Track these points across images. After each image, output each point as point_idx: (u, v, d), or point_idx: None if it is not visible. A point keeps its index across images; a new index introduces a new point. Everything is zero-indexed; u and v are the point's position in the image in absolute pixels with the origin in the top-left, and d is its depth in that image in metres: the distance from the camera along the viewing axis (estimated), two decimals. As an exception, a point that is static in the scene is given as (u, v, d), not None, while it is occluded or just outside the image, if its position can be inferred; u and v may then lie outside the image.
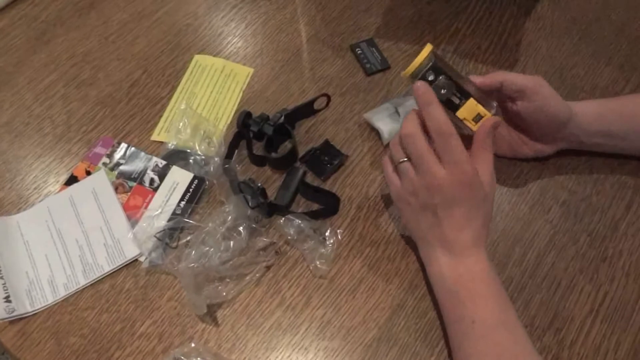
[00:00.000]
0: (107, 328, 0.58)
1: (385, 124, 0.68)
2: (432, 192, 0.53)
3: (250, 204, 0.60)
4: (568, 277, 0.61)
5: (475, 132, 0.55)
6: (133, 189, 0.66)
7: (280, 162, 0.67)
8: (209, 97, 0.73)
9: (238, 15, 0.81)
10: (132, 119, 0.71)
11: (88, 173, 0.67)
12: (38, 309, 0.59)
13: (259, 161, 0.67)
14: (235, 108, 0.72)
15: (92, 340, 0.57)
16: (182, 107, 0.70)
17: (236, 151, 0.68)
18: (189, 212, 0.64)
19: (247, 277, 0.59)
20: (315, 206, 0.64)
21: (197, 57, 0.76)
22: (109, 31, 0.79)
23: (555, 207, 0.65)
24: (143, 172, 0.67)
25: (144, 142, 0.70)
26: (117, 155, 0.68)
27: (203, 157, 0.66)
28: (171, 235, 0.62)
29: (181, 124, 0.68)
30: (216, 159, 0.66)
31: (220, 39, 0.79)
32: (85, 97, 0.73)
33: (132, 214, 0.64)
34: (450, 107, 0.55)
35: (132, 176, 0.67)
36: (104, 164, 0.68)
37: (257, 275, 0.60)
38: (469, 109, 0.55)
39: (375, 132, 0.69)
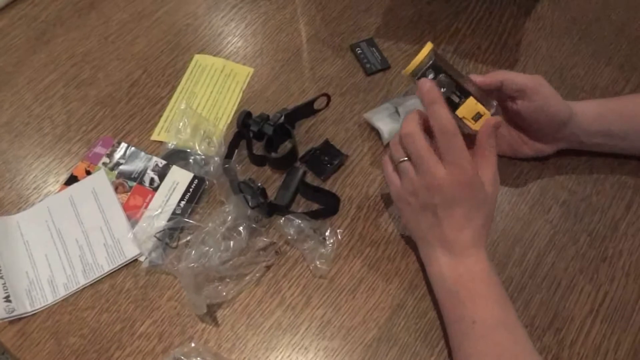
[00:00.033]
0: (107, 328, 0.58)
1: (385, 124, 0.68)
2: (432, 192, 0.53)
3: (250, 203, 0.60)
4: (568, 277, 0.61)
5: (478, 133, 0.55)
6: (133, 188, 0.66)
7: (280, 162, 0.67)
8: (209, 97, 0.73)
9: (238, 15, 0.81)
10: (132, 119, 0.71)
11: (88, 173, 0.67)
12: (38, 309, 0.59)
13: (259, 161, 0.67)
14: (235, 108, 0.72)
15: (92, 340, 0.57)
16: (182, 106, 0.70)
17: (236, 151, 0.68)
18: (189, 212, 0.64)
19: (247, 277, 0.59)
20: (315, 206, 0.64)
21: (197, 56, 0.76)
22: (109, 31, 0.79)
23: (555, 207, 0.65)
24: (143, 172, 0.67)
25: (144, 141, 0.70)
26: (117, 155, 0.68)
27: (203, 157, 0.66)
28: (171, 235, 0.61)
29: (181, 123, 0.68)
30: (216, 158, 0.66)
31: (220, 38, 0.79)
32: (85, 97, 0.73)
33: (132, 213, 0.64)
34: (450, 106, 0.55)
35: (132, 176, 0.67)
36: (104, 163, 0.68)
37: (257, 275, 0.60)
38: (469, 107, 0.55)
39: (375, 132, 0.69)
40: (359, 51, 0.76)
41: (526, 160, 0.67)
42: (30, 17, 0.81)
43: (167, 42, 0.78)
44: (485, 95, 0.57)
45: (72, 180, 0.67)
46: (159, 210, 0.64)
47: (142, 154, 0.68)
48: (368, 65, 0.74)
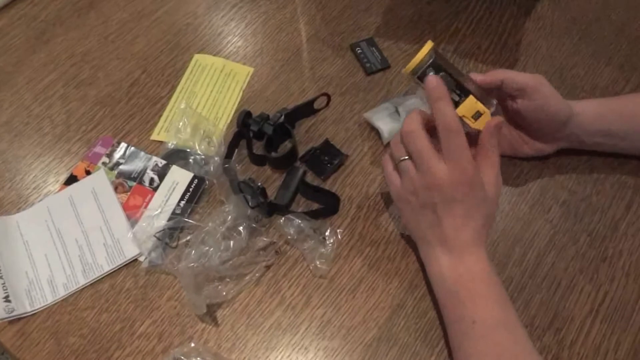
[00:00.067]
0: (107, 328, 0.58)
1: (385, 124, 0.68)
2: (432, 191, 0.53)
3: (250, 203, 0.60)
4: (568, 277, 0.61)
5: (481, 133, 0.55)
6: (133, 188, 0.66)
7: (280, 162, 0.66)
8: (208, 97, 0.73)
9: (238, 14, 0.81)
10: (131, 119, 0.71)
11: (88, 173, 0.67)
12: (37, 309, 0.59)
13: (259, 161, 0.67)
14: (235, 107, 0.72)
15: (92, 340, 0.57)
16: (182, 106, 0.70)
17: (236, 151, 0.68)
18: (188, 211, 0.64)
19: (247, 277, 0.59)
20: (315, 206, 0.64)
21: (196, 56, 0.76)
22: (109, 31, 0.79)
23: (556, 206, 0.65)
24: (143, 172, 0.67)
25: (144, 141, 0.69)
26: (117, 154, 0.68)
27: (203, 156, 0.66)
28: (171, 235, 0.61)
29: (181, 123, 0.68)
30: (216, 158, 0.65)
31: (220, 38, 0.78)
32: (85, 96, 0.73)
33: (132, 213, 0.64)
34: None
35: (132, 176, 0.66)
36: (104, 163, 0.68)
37: (257, 275, 0.60)
38: (469, 106, 0.55)
39: (375, 131, 0.69)
40: (359, 51, 0.76)
41: (526, 159, 0.67)
42: (30, 16, 0.81)
43: (167, 42, 0.78)
44: (485, 94, 0.57)
45: (71, 180, 0.67)
46: (159, 210, 0.64)
47: (142, 153, 0.68)
48: (368, 65, 0.74)
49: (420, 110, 0.55)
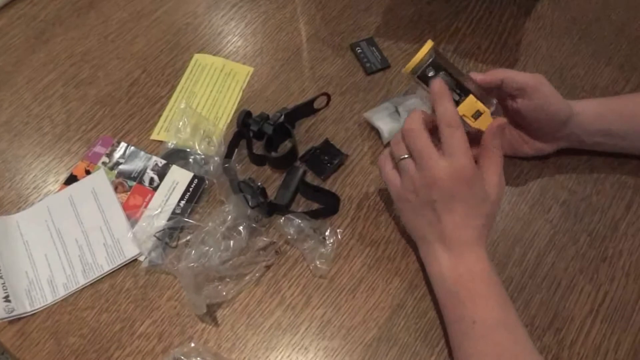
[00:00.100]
0: (107, 328, 0.58)
1: (385, 123, 0.68)
2: (431, 188, 0.53)
3: (250, 203, 0.60)
4: (568, 277, 0.61)
5: (484, 134, 0.55)
6: (133, 188, 0.66)
7: (280, 162, 0.66)
8: (208, 96, 0.73)
9: (238, 14, 0.81)
10: (131, 118, 0.71)
11: (87, 172, 0.67)
12: (37, 309, 0.59)
13: (258, 160, 0.67)
14: (235, 107, 0.72)
15: (92, 340, 0.57)
16: (182, 106, 0.70)
17: (236, 150, 0.68)
18: (188, 211, 0.64)
19: (247, 277, 0.59)
20: (315, 206, 0.64)
21: (196, 56, 0.76)
22: (108, 30, 0.79)
23: (556, 206, 0.65)
24: (143, 172, 0.67)
25: (144, 141, 0.69)
26: (117, 154, 0.68)
27: (203, 156, 0.66)
28: (171, 234, 0.61)
29: (181, 123, 0.68)
30: (216, 158, 0.65)
31: (220, 38, 0.78)
32: (85, 96, 0.73)
33: (132, 213, 0.64)
34: None
35: (132, 175, 0.66)
36: (104, 163, 0.67)
37: (257, 274, 0.60)
38: (468, 105, 0.55)
39: (375, 131, 0.69)
40: (359, 50, 0.76)
41: (526, 159, 0.67)
42: (29, 16, 0.80)
43: (167, 42, 0.78)
44: (485, 93, 0.57)
45: (71, 179, 0.67)
46: (159, 210, 0.64)
47: (142, 153, 0.68)
48: (368, 65, 0.74)
49: (422, 110, 0.55)
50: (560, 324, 0.58)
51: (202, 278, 0.58)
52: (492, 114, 0.56)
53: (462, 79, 0.55)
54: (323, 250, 0.60)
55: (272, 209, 0.62)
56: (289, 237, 0.61)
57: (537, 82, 0.58)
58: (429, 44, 0.55)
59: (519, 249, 0.62)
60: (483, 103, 0.55)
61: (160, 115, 0.71)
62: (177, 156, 0.67)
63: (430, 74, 0.55)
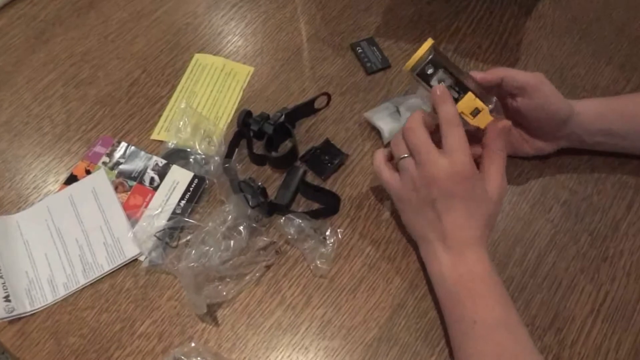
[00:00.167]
0: (107, 328, 0.58)
1: (385, 123, 0.68)
2: (431, 187, 0.53)
3: (250, 203, 0.60)
4: (569, 277, 0.60)
5: (486, 136, 0.55)
6: (133, 188, 0.66)
7: (281, 162, 0.66)
8: (209, 96, 0.73)
9: (238, 14, 0.81)
10: (131, 118, 0.71)
11: (88, 172, 0.67)
12: (37, 309, 0.59)
13: (259, 160, 0.67)
14: (235, 107, 0.72)
15: (92, 340, 0.57)
16: (182, 106, 0.70)
17: (236, 150, 0.68)
18: (189, 211, 0.64)
19: (247, 277, 0.59)
20: (315, 205, 0.64)
21: (197, 56, 0.76)
22: (108, 30, 0.79)
23: (556, 206, 0.65)
24: (143, 171, 0.67)
25: (144, 141, 0.69)
26: (117, 154, 0.68)
27: (203, 156, 0.66)
28: (171, 234, 0.61)
29: (181, 123, 0.68)
30: (216, 158, 0.65)
31: (220, 37, 0.78)
32: (85, 96, 0.73)
33: (132, 213, 0.64)
34: None
35: (132, 175, 0.66)
36: (104, 163, 0.67)
37: (257, 274, 0.60)
38: (467, 102, 0.55)
39: (375, 131, 0.69)
40: (360, 50, 0.75)
41: (527, 159, 0.67)
42: (29, 16, 0.80)
43: (167, 42, 0.78)
44: (485, 92, 0.57)
45: (71, 179, 0.67)
46: (159, 210, 0.64)
47: (142, 153, 0.68)
48: (368, 65, 0.74)
49: (423, 111, 0.55)
50: (561, 323, 0.58)
51: (202, 278, 0.58)
52: (492, 112, 0.56)
53: (462, 77, 0.56)
54: (323, 250, 0.60)
55: (272, 208, 0.62)
56: (289, 237, 0.61)
57: (537, 81, 0.58)
58: (428, 42, 0.55)
59: (520, 248, 0.62)
60: (482, 101, 0.55)
61: (160, 115, 0.71)
62: (177, 156, 0.67)
63: (430, 71, 0.55)
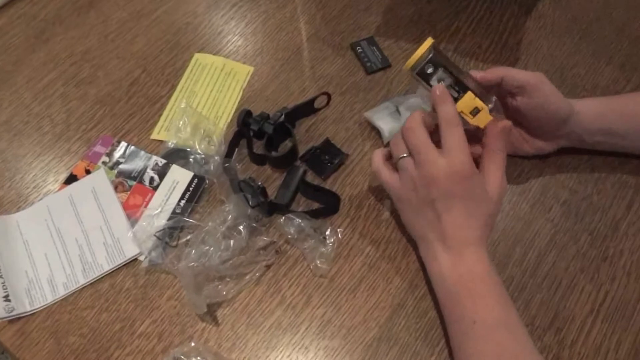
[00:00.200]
0: (107, 327, 0.58)
1: (385, 123, 0.68)
2: (430, 186, 0.53)
3: (250, 203, 0.60)
4: (569, 277, 0.60)
5: (487, 136, 0.55)
6: (133, 187, 0.66)
7: (281, 161, 0.66)
8: (209, 96, 0.73)
9: (238, 13, 0.81)
10: (131, 118, 0.71)
11: (87, 172, 0.67)
12: (37, 308, 0.59)
13: (259, 160, 0.67)
14: (235, 107, 0.72)
15: (92, 340, 0.57)
16: (182, 105, 0.70)
17: (236, 150, 0.68)
18: (189, 211, 0.64)
19: (247, 276, 0.59)
20: (315, 205, 0.64)
21: (197, 55, 0.76)
22: (108, 30, 0.79)
23: (556, 206, 0.65)
24: (143, 171, 0.67)
25: (144, 140, 0.69)
26: (117, 154, 0.68)
27: (203, 155, 0.66)
28: (171, 234, 0.61)
29: (181, 122, 0.68)
30: (216, 157, 0.65)
31: (220, 37, 0.78)
32: (85, 95, 0.73)
33: (132, 213, 0.64)
34: None
35: (132, 175, 0.66)
36: (104, 162, 0.67)
37: (257, 274, 0.60)
38: (466, 102, 0.55)
39: (375, 131, 0.69)
40: (360, 50, 0.75)
41: (527, 158, 0.67)
42: (29, 15, 0.80)
43: (167, 41, 0.78)
44: (485, 91, 0.57)
45: (71, 179, 0.67)
46: (159, 210, 0.64)
47: (142, 152, 0.68)
48: (368, 64, 0.74)
49: (423, 110, 0.55)
50: (561, 323, 0.58)
51: (202, 277, 0.58)
52: (491, 111, 0.56)
53: (461, 76, 0.56)
54: (323, 249, 0.60)
55: (272, 208, 0.62)
56: (289, 236, 0.61)
57: (537, 81, 0.58)
58: (428, 41, 0.55)
59: (520, 248, 0.62)
60: (482, 100, 0.55)
61: (160, 115, 0.71)
62: (177, 156, 0.67)
63: (430, 70, 0.55)
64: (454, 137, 0.52)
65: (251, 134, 0.66)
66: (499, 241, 0.62)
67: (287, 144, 0.68)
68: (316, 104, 0.71)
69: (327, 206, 0.64)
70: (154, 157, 0.67)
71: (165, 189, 0.65)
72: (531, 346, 0.51)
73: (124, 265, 0.61)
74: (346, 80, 0.74)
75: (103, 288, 0.60)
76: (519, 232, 0.63)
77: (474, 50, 0.76)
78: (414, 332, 0.57)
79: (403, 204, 0.57)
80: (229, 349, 0.57)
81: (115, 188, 0.65)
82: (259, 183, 0.61)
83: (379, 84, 0.73)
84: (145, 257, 0.61)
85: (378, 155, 0.59)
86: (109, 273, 0.61)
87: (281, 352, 0.57)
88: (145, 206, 0.64)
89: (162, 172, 0.66)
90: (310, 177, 0.66)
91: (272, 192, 0.64)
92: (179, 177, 0.66)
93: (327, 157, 0.67)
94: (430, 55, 0.55)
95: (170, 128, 0.69)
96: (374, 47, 0.76)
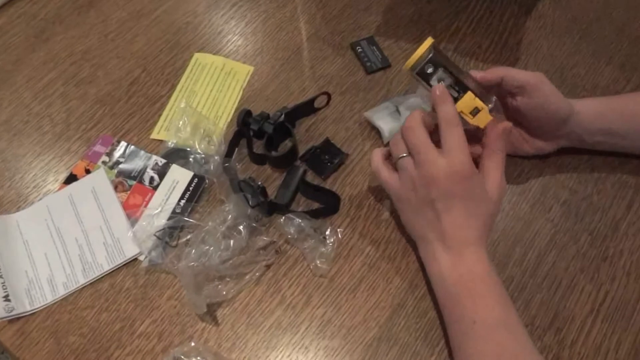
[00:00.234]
0: (107, 327, 0.58)
1: (385, 123, 0.68)
2: (430, 186, 0.53)
3: (250, 202, 0.60)
4: (569, 277, 0.61)
5: (487, 136, 0.55)
6: (133, 187, 0.66)
7: (281, 161, 0.66)
8: (208, 96, 0.73)
9: (238, 13, 0.81)
10: (131, 118, 0.71)
11: (87, 172, 0.67)
12: (37, 308, 0.59)
13: (259, 160, 0.67)
14: (235, 106, 0.72)
15: (92, 340, 0.57)
16: (182, 105, 0.69)
17: (236, 150, 0.68)
18: (188, 210, 0.64)
19: (247, 276, 0.59)
20: (315, 205, 0.64)
21: (196, 55, 0.76)
22: (108, 29, 0.79)
23: (556, 206, 0.65)
24: (143, 171, 0.66)
25: (144, 140, 0.69)
26: (117, 153, 0.68)
27: (203, 155, 0.66)
28: (171, 234, 0.61)
29: (181, 122, 0.68)
30: (216, 157, 0.65)
31: (220, 37, 0.78)
32: (85, 95, 0.73)
33: (132, 212, 0.64)
34: None
35: (132, 175, 0.66)
36: (104, 162, 0.67)
37: (257, 274, 0.60)
38: (466, 102, 0.55)
39: (375, 130, 0.69)
40: (360, 49, 0.75)
41: (527, 158, 0.67)
42: (30, 15, 0.80)
43: (167, 41, 0.78)
44: (485, 91, 0.57)
45: (71, 179, 0.67)
46: (159, 209, 0.64)
47: (142, 152, 0.68)
48: (368, 64, 0.74)
49: (422, 110, 0.55)
50: (561, 323, 0.58)
51: (202, 277, 0.58)
52: (491, 111, 0.56)
53: (461, 76, 0.56)
54: (323, 249, 0.60)
55: (272, 208, 0.62)
56: (289, 236, 0.61)
57: (537, 81, 0.58)
58: (428, 41, 0.55)
59: (520, 248, 0.62)
60: (482, 100, 0.55)
61: (160, 115, 0.71)
62: (177, 155, 0.67)
63: (429, 70, 0.55)
64: (453, 137, 0.52)
65: (251, 133, 0.66)
66: (499, 241, 0.62)
67: (287, 144, 0.68)
68: (316, 104, 0.71)
69: (327, 206, 0.64)
70: (154, 157, 0.67)
71: (165, 188, 0.65)
72: (531, 346, 0.51)
73: (124, 265, 0.61)
74: (346, 80, 0.74)
75: (103, 288, 0.60)
76: (519, 232, 0.63)
77: (474, 50, 0.76)
78: (414, 332, 0.57)
79: (403, 204, 0.57)
80: (229, 348, 0.57)
81: (115, 188, 0.65)
82: (259, 183, 0.61)
83: (379, 83, 0.73)
84: (145, 257, 0.61)
85: (377, 155, 0.59)
86: (109, 273, 0.61)
87: (281, 352, 0.57)
88: (145, 206, 0.64)
89: (162, 172, 0.66)
90: (310, 177, 0.66)
91: (272, 192, 0.64)
92: (179, 177, 0.66)
93: (327, 157, 0.67)
94: (430, 55, 0.55)
95: (170, 128, 0.69)
96: (374, 47, 0.76)
